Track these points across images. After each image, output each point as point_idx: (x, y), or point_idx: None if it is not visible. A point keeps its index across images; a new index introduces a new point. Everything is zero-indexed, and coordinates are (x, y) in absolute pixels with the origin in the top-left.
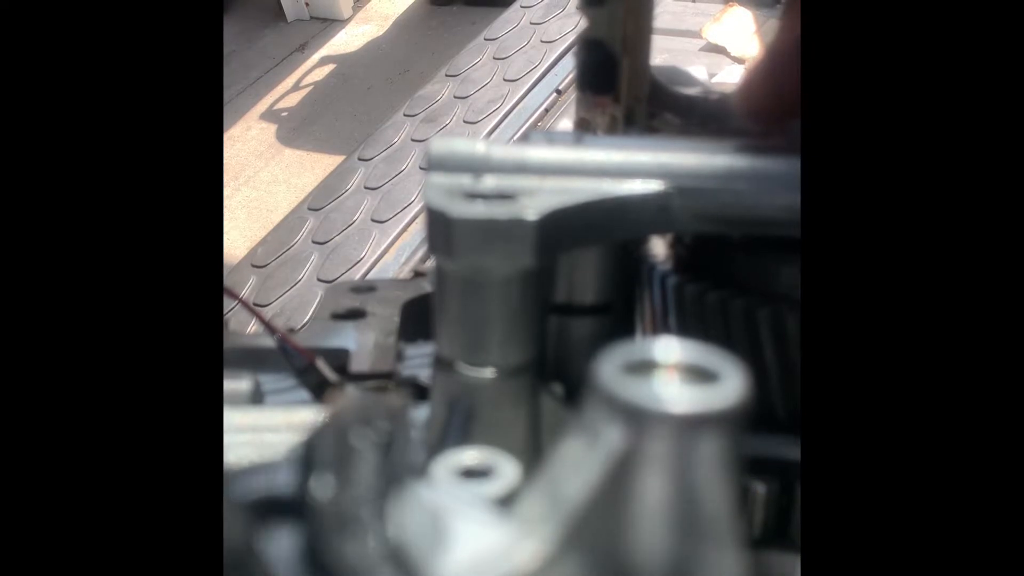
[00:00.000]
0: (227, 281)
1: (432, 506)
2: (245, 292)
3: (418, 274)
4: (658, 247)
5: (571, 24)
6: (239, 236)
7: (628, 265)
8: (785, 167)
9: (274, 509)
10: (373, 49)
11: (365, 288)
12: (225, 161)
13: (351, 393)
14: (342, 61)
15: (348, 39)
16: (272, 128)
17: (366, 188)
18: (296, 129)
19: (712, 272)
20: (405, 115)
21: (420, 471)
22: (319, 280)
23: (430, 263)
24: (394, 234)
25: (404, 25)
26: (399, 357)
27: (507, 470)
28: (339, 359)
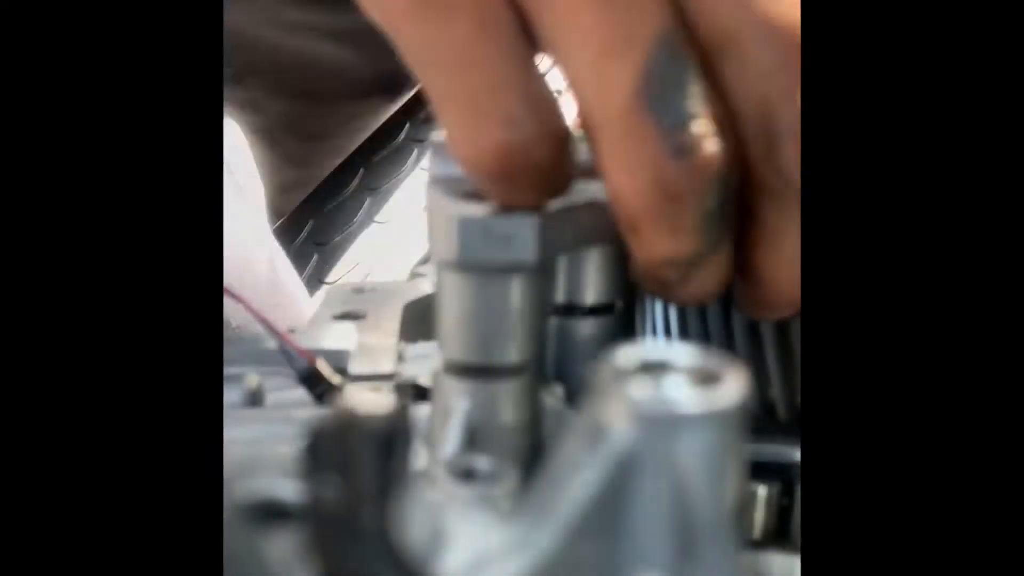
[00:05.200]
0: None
1: (432, 507)
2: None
3: (418, 275)
4: None
5: None
6: None
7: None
8: None
9: (274, 511)
10: None
11: (366, 289)
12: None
13: (352, 394)
14: None
15: None
16: None
17: (367, 188)
18: None
19: None
20: (404, 113)
21: (421, 472)
22: (319, 281)
23: (431, 264)
24: (394, 234)
25: None
26: (400, 358)
27: (507, 471)
28: (339, 360)
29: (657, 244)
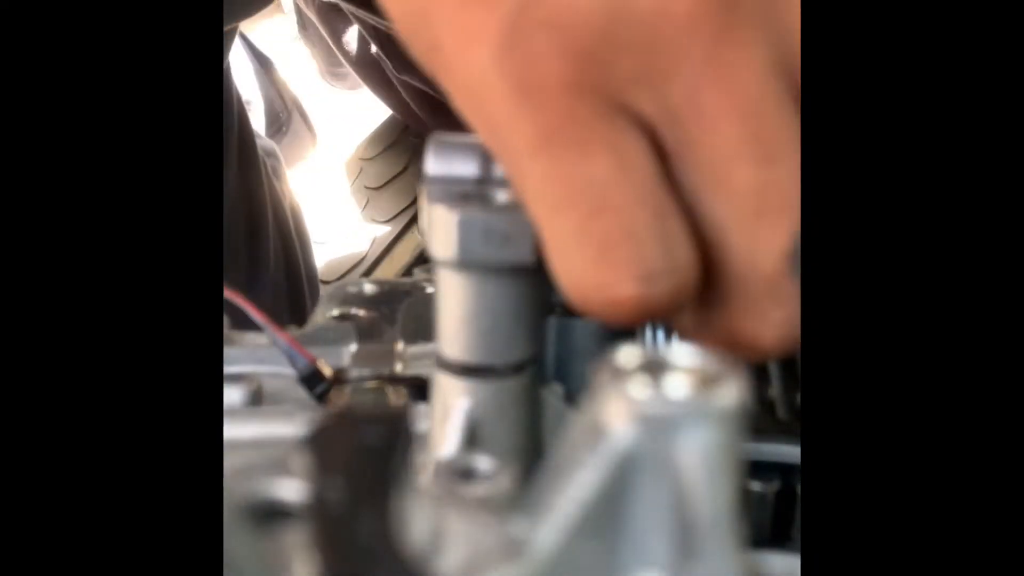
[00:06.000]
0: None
1: (432, 507)
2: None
3: (418, 274)
4: None
5: None
6: None
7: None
8: None
9: (274, 511)
10: None
11: (365, 289)
12: None
13: (352, 394)
14: None
15: None
16: None
17: (366, 188)
18: None
19: None
20: None
21: (420, 471)
22: (319, 281)
23: (431, 263)
24: (394, 234)
25: None
26: (399, 357)
27: (507, 470)
28: (339, 360)
29: (748, 359)
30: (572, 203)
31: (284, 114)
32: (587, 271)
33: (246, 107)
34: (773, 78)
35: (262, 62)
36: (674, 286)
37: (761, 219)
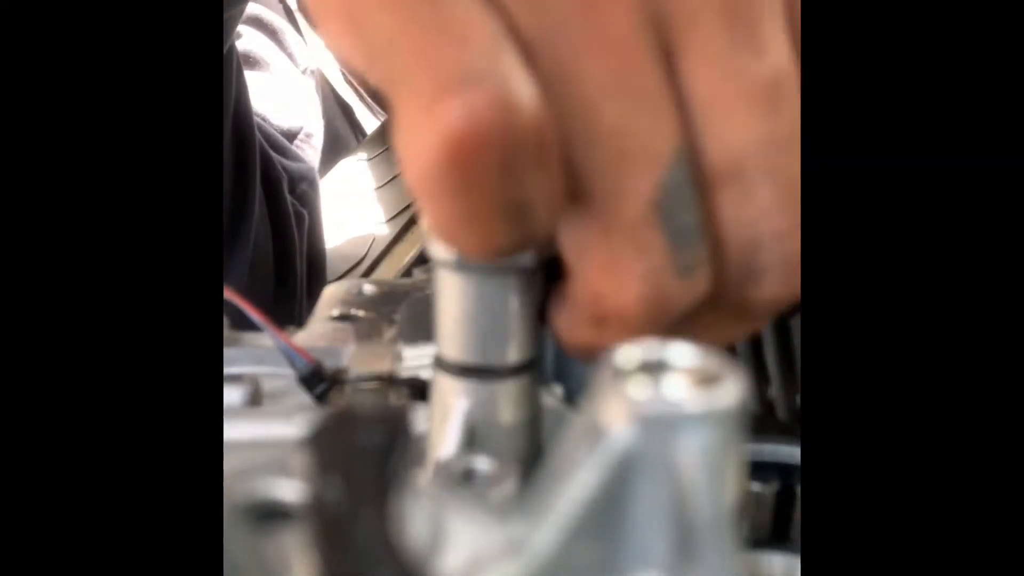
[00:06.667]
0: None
1: (432, 507)
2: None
3: (418, 275)
4: None
5: None
6: None
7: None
8: None
9: (274, 511)
10: None
11: (365, 290)
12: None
13: (351, 394)
14: None
15: None
16: None
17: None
18: None
19: None
20: None
21: (420, 472)
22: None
23: (430, 263)
24: (394, 234)
25: None
26: (398, 358)
27: (507, 471)
28: (339, 360)
29: (615, 339)
30: (418, 21)
31: (353, 143)
32: (422, 100)
33: (262, 121)
34: (639, 26)
35: (335, 93)
36: (497, 94)
37: (623, 162)
